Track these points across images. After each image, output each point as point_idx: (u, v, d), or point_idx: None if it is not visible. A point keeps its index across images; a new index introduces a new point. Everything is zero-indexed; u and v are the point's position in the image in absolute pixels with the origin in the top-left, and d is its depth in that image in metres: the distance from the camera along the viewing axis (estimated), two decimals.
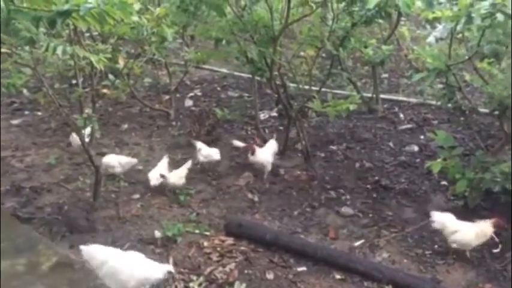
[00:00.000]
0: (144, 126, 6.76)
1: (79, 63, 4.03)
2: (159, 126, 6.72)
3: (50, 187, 5.14)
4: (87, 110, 4.54)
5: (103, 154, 5.57)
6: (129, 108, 7.31)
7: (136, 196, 4.97)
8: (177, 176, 4.97)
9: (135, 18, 3.99)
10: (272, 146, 5.59)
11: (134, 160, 5.34)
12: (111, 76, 5.12)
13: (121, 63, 4.67)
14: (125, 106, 7.37)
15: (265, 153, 5.38)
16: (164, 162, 5.15)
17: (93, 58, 3.33)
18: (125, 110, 7.29)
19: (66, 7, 2.50)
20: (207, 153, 5.44)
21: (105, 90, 4.41)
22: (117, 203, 4.81)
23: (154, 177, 4.90)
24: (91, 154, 4.57)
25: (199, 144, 5.50)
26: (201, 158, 5.44)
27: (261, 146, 5.51)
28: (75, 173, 5.44)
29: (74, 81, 6.47)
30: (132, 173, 5.38)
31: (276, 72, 5.42)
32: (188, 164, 5.12)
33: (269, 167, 5.32)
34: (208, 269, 3.91)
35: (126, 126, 6.67)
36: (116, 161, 5.18)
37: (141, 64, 5.75)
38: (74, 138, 5.51)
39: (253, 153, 5.27)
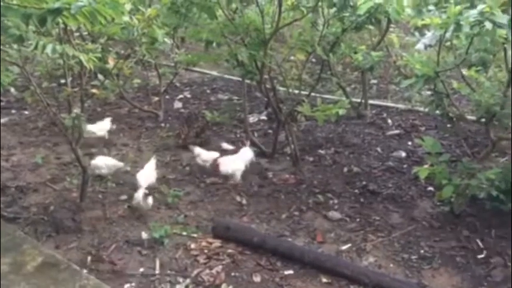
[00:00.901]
0: (132, 127, 6.72)
1: (68, 62, 4.00)
2: (147, 127, 6.69)
3: (36, 187, 5.08)
4: (76, 110, 4.51)
5: (90, 154, 5.54)
6: (117, 109, 7.27)
7: (124, 197, 4.94)
8: (145, 176, 4.91)
9: (125, 18, 3.98)
10: (244, 154, 5.44)
11: (120, 164, 5.30)
12: (100, 76, 5.09)
13: (111, 63, 4.65)
14: (113, 107, 7.33)
15: (234, 162, 5.26)
16: (152, 163, 5.12)
17: (83, 57, 3.31)
18: (114, 110, 7.25)
19: (57, 5, 2.48)
20: (207, 157, 5.42)
21: (94, 90, 4.37)
22: (104, 204, 4.78)
23: (142, 178, 4.88)
24: (78, 154, 4.54)
25: (197, 150, 5.44)
26: (200, 163, 5.42)
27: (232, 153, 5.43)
28: (61, 173, 5.39)
29: (62, 81, 6.42)
30: (120, 174, 5.35)
31: (266, 76, 5.44)
32: (152, 161, 5.10)
33: (238, 176, 5.21)
34: (195, 271, 3.90)
35: (114, 127, 6.62)
36: (103, 162, 5.16)
37: (130, 65, 5.72)
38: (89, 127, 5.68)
39: (217, 167, 5.24)
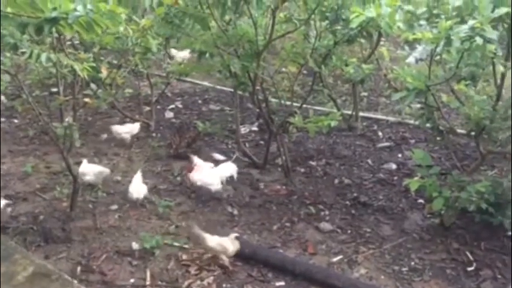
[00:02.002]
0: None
1: (61, 71, 3.99)
2: (139, 137, 6.65)
3: (26, 196, 5.04)
4: (67, 119, 4.49)
5: (81, 164, 5.50)
6: (108, 119, 7.24)
7: (115, 207, 4.91)
8: (136, 190, 4.87)
9: (120, 28, 3.99)
10: (223, 169, 5.32)
11: (107, 170, 5.26)
12: (93, 85, 5.08)
13: (104, 72, 4.65)
14: (104, 116, 7.30)
15: (208, 176, 5.09)
16: (138, 176, 5.01)
17: (77, 66, 3.31)
18: (105, 120, 7.22)
19: (54, 14, 2.48)
20: (225, 167, 5.37)
21: (86, 99, 4.36)
22: (94, 214, 4.75)
23: (135, 190, 4.84)
24: (70, 163, 4.51)
25: (195, 159, 5.35)
26: None
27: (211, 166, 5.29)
28: (51, 182, 5.35)
29: (53, 89, 6.40)
30: (111, 183, 5.32)
31: (258, 87, 5.46)
32: (139, 174, 5.02)
33: (212, 190, 5.04)
34: (186, 282, 3.88)
35: (105, 136, 6.60)
36: (89, 169, 5.12)
37: (124, 75, 5.72)
38: (114, 128, 6.19)
39: (189, 171, 5.12)
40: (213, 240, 4.03)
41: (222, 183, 5.17)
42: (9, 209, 4.64)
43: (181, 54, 7.82)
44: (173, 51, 7.85)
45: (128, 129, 6.34)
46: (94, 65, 3.79)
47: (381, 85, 8.29)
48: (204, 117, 7.28)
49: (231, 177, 5.35)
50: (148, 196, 4.99)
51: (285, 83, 6.71)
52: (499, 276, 4.06)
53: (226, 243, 4.02)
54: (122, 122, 7.06)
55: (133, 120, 6.69)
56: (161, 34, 5.50)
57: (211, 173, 5.16)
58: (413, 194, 5.15)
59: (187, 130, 6.43)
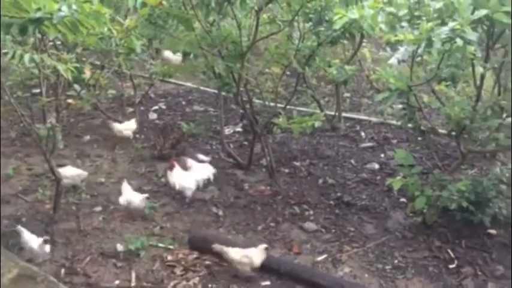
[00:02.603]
0: (106, 138, 6.63)
1: (44, 72, 3.95)
2: (122, 138, 6.61)
3: (8, 198, 4.97)
4: (50, 120, 4.44)
5: (64, 165, 5.44)
6: (91, 120, 7.17)
7: (98, 209, 4.88)
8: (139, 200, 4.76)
9: (104, 28, 3.97)
10: (200, 171, 5.28)
11: (85, 173, 5.20)
12: (76, 86, 5.03)
13: (87, 73, 4.61)
14: (87, 117, 7.23)
15: (185, 178, 5.07)
16: (126, 186, 4.90)
17: (61, 67, 3.28)
18: (87, 121, 7.15)
19: (38, 15, 2.46)
20: (201, 170, 5.34)
21: (70, 101, 4.32)
22: (77, 216, 4.71)
23: (133, 199, 4.72)
24: (52, 165, 4.47)
25: (189, 162, 5.35)
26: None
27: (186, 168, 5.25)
28: (33, 185, 5.29)
29: (35, 91, 6.33)
30: (94, 185, 5.28)
31: (242, 88, 5.48)
32: (126, 185, 4.88)
33: (188, 194, 5.01)
34: (172, 283, 3.89)
35: (88, 137, 6.55)
36: (67, 173, 5.02)
37: (107, 75, 5.68)
38: (114, 125, 6.26)
39: (171, 169, 5.07)
40: (237, 253, 3.97)
41: (198, 186, 5.14)
42: None
43: (176, 57, 7.62)
44: (166, 53, 7.80)
45: (128, 126, 6.42)
46: (78, 65, 3.75)
47: (363, 86, 8.38)
48: (188, 118, 7.27)
49: (208, 179, 5.30)
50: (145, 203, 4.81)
51: (268, 84, 6.73)
52: (480, 273, 4.16)
53: (253, 254, 3.94)
54: (104, 123, 7.02)
55: (117, 121, 6.65)
56: (145, 35, 5.48)
57: (187, 176, 5.11)
58: (395, 193, 5.22)
59: (171, 131, 6.41)
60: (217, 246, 4.03)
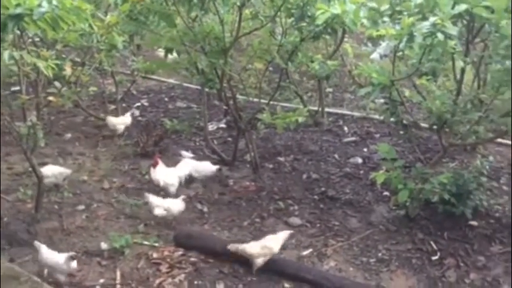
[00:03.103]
0: (88, 136, 6.57)
1: (24, 69, 3.88)
2: (104, 136, 6.55)
3: None
4: (30, 118, 4.37)
5: (45, 164, 5.36)
6: (72, 117, 7.08)
7: (81, 207, 4.83)
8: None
9: (83, 25, 3.92)
10: (182, 167, 5.24)
11: (68, 171, 5.14)
12: (57, 83, 4.95)
13: (68, 70, 4.54)
14: (68, 115, 7.13)
15: (167, 175, 5.02)
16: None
17: (41, 64, 3.23)
18: (68, 119, 7.06)
19: (18, 11, 2.42)
20: (202, 168, 5.35)
21: (51, 98, 4.26)
22: (60, 215, 4.66)
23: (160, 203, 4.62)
24: (34, 164, 4.40)
25: (187, 158, 5.33)
26: (194, 174, 5.30)
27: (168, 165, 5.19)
28: (14, 184, 5.20)
29: (14, 88, 6.22)
30: (76, 183, 5.22)
31: (225, 84, 5.47)
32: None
33: (172, 190, 4.94)
34: (157, 281, 3.86)
35: (69, 135, 6.47)
36: (49, 171, 4.95)
37: (89, 72, 5.60)
38: (110, 119, 6.22)
39: (155, 166, 5.03)
40: (254, 247, 3.98)
41: (181, 183, 5.11)
42: None
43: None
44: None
45: (122, 121, 6.44)
46: (58, 62, 3.69)
47: (345, 81, 8.43)
48: (171, 115, 7.23)
49: (190, 175, 5.28)
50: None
51: (252, 80, 6.74)
52: (462, 264, 4.22)
53: (272, 243, 3.97)
54: (86, 121, 6.95)
55: (98, 119, 6.58)
56: (126, 31, 5.43)
57: (171, 173, 5.08)
58: (379, 187, 5.27)
59: (154, 128, 6.37)
60: (232, 246, 4.03)
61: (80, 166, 5.65)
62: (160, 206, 4.52)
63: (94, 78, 7.17)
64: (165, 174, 5.04)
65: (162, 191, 5.04)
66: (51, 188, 4.95)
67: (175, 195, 4.85)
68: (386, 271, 4.14)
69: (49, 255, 3.77)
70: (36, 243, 3.87)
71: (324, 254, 4.33)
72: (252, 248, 3.98)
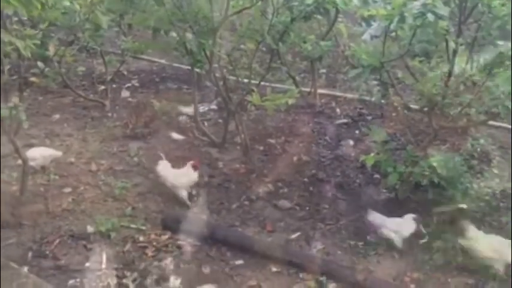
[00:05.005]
0: (77, 117, 6.47)
1: (5, 49, 3.77)
2: (93, 117, 6.46)
3: None
4: (14, 99, 4.28)
5: (31, 145, 5.29)
6: (60, 98, 6.96)
7: (68, 190, 4.77)
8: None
9: (66, 3, 3.79)
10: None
11: (58, 153, 5.07)
12: (40, 63, 4.84)
13: (51, 50, 4.43)
14: (56, 95, 7.01)
15: (176, 178, 4.70)
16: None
17: (20, 44, 3.12)
18: (56, 99, 6.94)
19: None
20: None
21: (33, 79, 4.16)
22: (46, 197, 4.59)
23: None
24: (17, 146, 4.32)
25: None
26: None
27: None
28: None
29: None
30: (63, 165, 5.15)
31: (215, 65, 5.36)
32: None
33: (183, 195, 4.66)
34: (143, 264, 3.83)
35: (57, 116, 6.37)
36: (38, 153, 4.90)
37: (73, 52, 5.48)
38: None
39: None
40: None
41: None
42: None
43: None
44: None
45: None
46: (38, 42, 3.58)
47: (339, 62, 8.31)
48: (161, 96, 7.13)
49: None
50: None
51: (243, 61, 6.62)
52: (450, 248, 4.19)
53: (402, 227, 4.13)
54: (75, 101, 6.84)
55: (87, 100, 6.47)
56: (114, 10, 5.30)
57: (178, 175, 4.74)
58: (369, 170, 5.23)
59: (144, 109, 6.27)
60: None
61: (67, 148, 5.56)
62: None
63: (83, 59, 7.06)
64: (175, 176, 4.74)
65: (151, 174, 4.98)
66: (37, 170, 4.89)
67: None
68: (374, 255, 4.12)
69: None
70: None
71: (312, 237, 4.30)
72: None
